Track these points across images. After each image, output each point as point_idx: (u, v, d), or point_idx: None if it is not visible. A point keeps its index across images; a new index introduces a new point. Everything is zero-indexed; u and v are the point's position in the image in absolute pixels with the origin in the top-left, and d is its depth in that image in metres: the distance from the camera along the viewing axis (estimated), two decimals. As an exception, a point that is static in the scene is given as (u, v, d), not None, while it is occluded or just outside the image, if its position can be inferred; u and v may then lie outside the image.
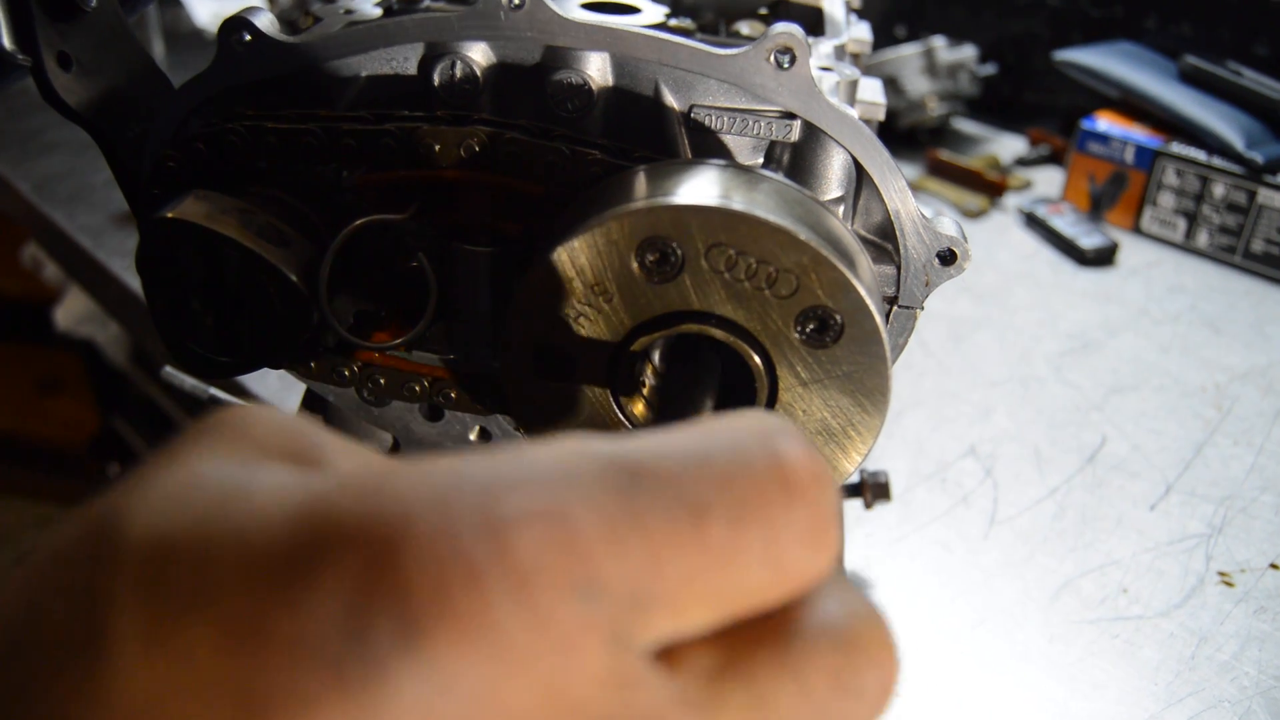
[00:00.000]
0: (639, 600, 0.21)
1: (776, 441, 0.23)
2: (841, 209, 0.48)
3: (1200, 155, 1.23)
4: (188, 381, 0.77)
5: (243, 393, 0.92)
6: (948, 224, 0.48)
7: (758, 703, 0.23)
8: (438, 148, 0.45)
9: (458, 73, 0.47)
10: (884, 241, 0.49)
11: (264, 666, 0.19)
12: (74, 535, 0.22)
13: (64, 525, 0.23)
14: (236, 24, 0.47)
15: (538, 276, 0.41)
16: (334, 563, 0.20)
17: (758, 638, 0.24)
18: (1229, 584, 0.76)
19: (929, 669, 0.69)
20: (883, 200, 0.48)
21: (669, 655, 0.23)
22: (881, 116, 0.59)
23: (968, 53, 1.47)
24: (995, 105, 1.56)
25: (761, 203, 0.39)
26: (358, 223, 0.45)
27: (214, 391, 0.78)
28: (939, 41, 1.44)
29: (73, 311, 1.85)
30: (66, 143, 1.45)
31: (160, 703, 0.19)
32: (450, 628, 0.19)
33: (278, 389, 0.92)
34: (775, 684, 0.23)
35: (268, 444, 0.24)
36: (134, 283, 1.11)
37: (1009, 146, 1.51)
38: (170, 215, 0.45)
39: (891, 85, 1.40)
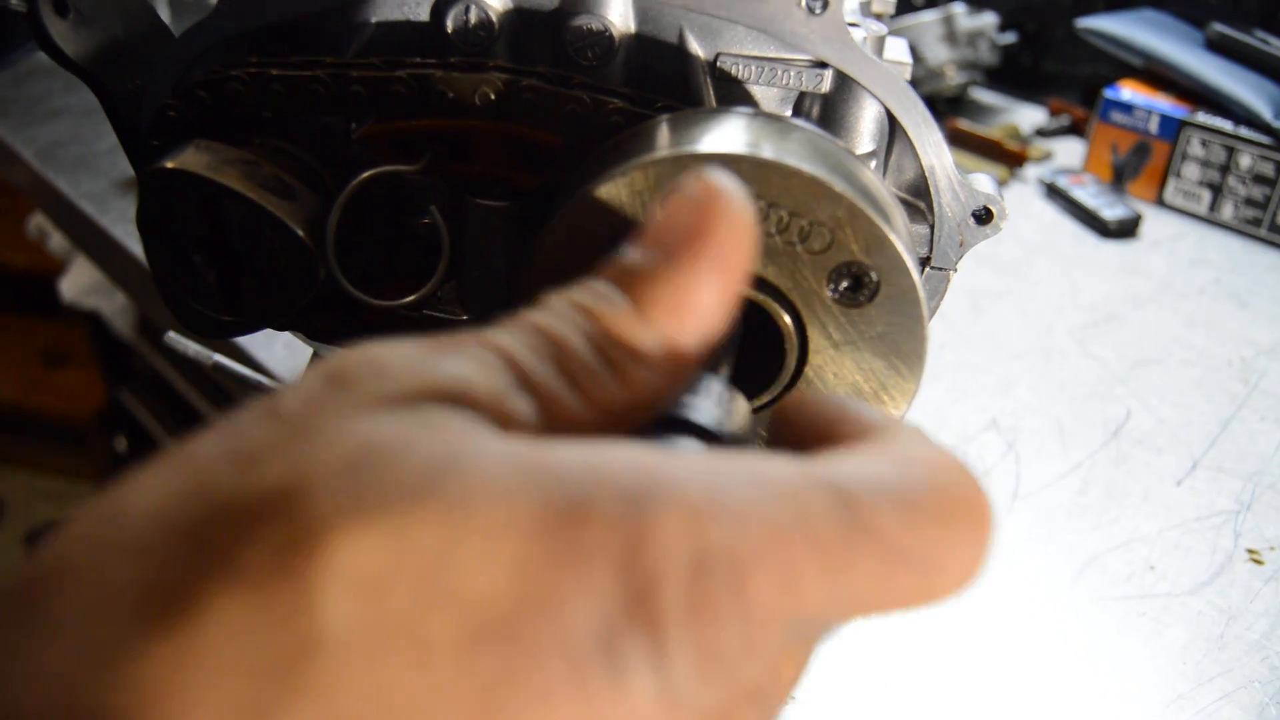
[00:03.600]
0: (828, 626, 0.24)
1: (971, 494, 0.24)
2: (874, 164, 0.46)
3: (1226, 125, 1.20)
4: (191, 347, 0.75)
5: (246, 358, 0.90)
6: (984, 181, 0.46)
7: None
8: (451, 96, 0.42)
9: (472, 18, 0.44)
10: (917, 200, 0.47)
11: (512, 663, 0.20)
12: (231, 518, 0.20)
13: (192, 506, 0.20)
14: (240, -33, 0.45)
15: (556, 231, 0.39)
16: (589, 568, 0.20)
17: None
18: (1258, 561, 0.74)
19: (951, 647, 0.67)
20: (916, 156, 0.45)
21: None
22: (907, 76, 0.57)
23: (988, 20, 1.44)
24: (1015, 74, 1.53)
25: (794, 152, 0.37)
26: (366, 174, 0.43)
27: (218, 358, 0.76)
28: (959, 8, 1.41)
29: (78, 282, 1.83)
30: (70, 109, 1.42)
31: (391, 705, 0.19)
32: (690, 654, 0.21)
33: (283, 356, 0.91)
34: None
35: (417, 390, 0.23)
36: (138, 250, 1.09)
37: (1029, 116, 1.48)
38: (170, 166, 0.43)
39: (910, 53, 1.37)
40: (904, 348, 0.40)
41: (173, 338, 0.75)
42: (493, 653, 0.19)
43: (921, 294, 0.38)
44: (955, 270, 0.47)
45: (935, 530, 0.23)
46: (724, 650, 0.21)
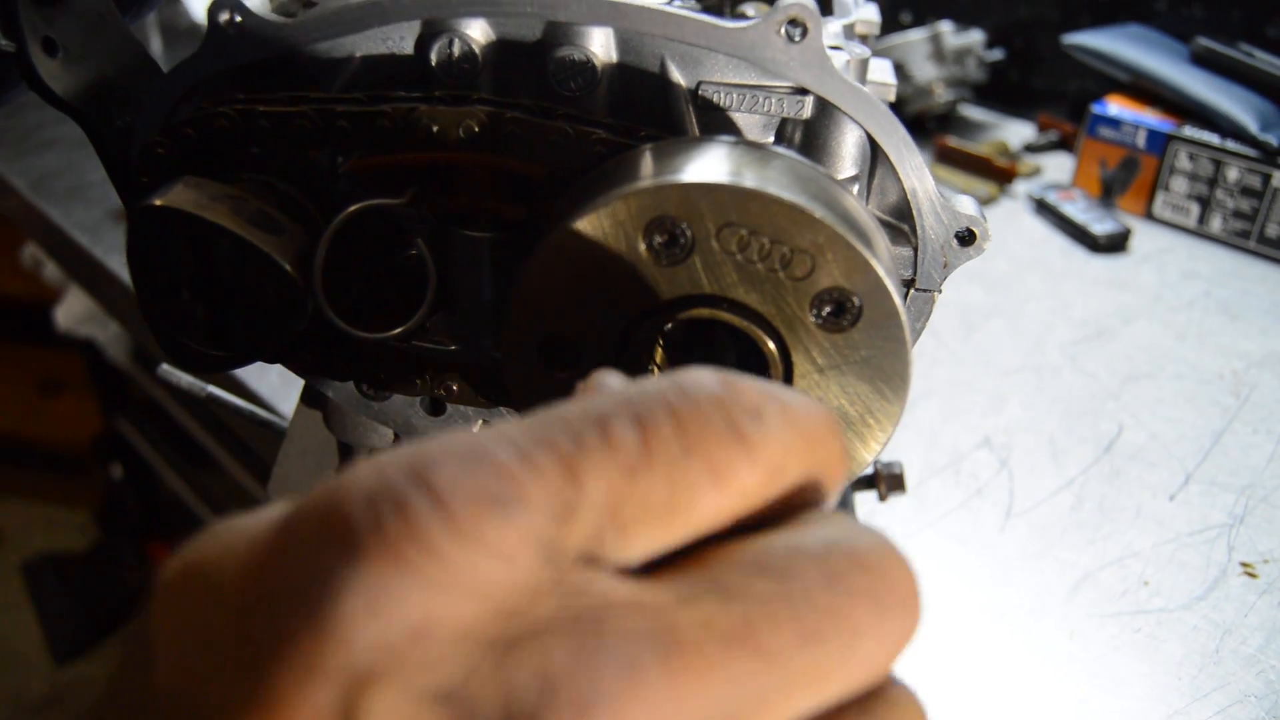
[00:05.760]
0: (567, 514, 0.22)
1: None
2: (856, 188, 0.46)
3: (1213, 139, 1.20)
4: (184, 379, 0.75)
5: (241, 390, 0.90)
6: (966, 203, 0.47)
7: (728, 598, 0.22)
8: (436, 129, 0.43)
9: (456, 51, 0.45)
10: (900, 222, 0.47)
11: (260, 622, 0.22)
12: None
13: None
14: (226, 4, 0.45)
15: (540, 261, 0.40)
16: (301, 535, 0.22)
17: (741, 557, 0.24)
18: (1252, 575, 0.74)
19: (945, 666, 0.67)
20: (899, 179, 0.46)
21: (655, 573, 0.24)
22: (892, 97, 0.57)
23: (975, 38, 1.45)
24: (1003, 91, 1.54)
25: (774, 180, 0.37)
26: (353, 208, 0.43)
27: (211, 389, 0.76)
28: (946, 26, 1.42)
29: (73, 311, 1.83)
30: (64, 139, 1.43)
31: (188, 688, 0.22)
32: (387, 551, 0.21)
33: (277, 386, 0.91)
34: (751, 582, 0.23)
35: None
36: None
37: (1018, 132, 1.49)
38: (159, 203, 0.43)
39: (898, 71, 1.38)
40: (888, 370, 0.40)
41: (166, 370, 0.76)
42: (250, 620, 0.22)
43: (904, 317, 0.39)
44: (940, 291, 0.48)
45: None
46: (431, 543, 0.22)
